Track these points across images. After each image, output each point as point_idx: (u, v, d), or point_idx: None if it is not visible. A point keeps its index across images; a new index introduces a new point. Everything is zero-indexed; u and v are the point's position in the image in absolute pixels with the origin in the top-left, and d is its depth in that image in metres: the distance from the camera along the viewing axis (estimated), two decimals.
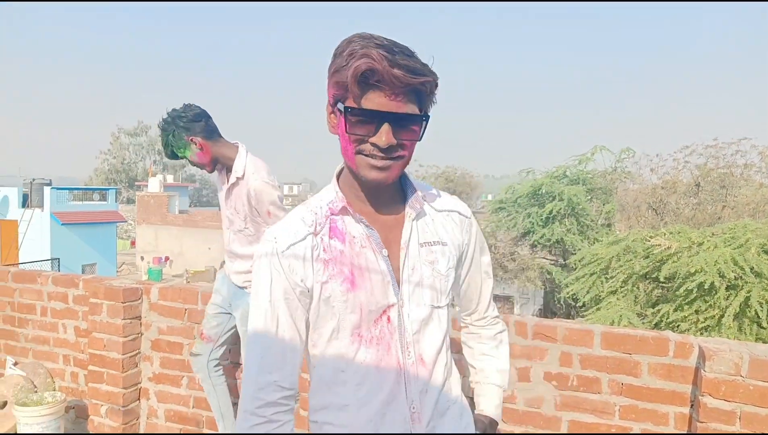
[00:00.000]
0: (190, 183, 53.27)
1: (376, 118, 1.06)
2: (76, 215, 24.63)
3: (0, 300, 3.86)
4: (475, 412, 1.39)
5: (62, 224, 23.87)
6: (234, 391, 3.02)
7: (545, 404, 2.55)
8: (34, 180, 23.99)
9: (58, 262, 21.94)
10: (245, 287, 2.69)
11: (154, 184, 33.49)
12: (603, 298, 11.43)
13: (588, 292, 11.85)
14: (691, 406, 2.36)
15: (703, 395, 2.23)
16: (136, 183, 52.11)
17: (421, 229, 1.22)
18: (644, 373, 2.41)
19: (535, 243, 17.30)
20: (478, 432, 1.34)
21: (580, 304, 12.68)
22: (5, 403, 3.38)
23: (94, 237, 25.20)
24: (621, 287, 10.92)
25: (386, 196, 1.21)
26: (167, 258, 30.19)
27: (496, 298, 25.09)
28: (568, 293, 12.74)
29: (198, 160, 2.66)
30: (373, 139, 1.07)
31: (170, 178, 40.85)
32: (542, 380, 2.55)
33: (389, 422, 1.16)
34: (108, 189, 28.54)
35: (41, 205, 23.53)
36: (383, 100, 1.04)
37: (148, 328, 3.37)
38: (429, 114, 1.11)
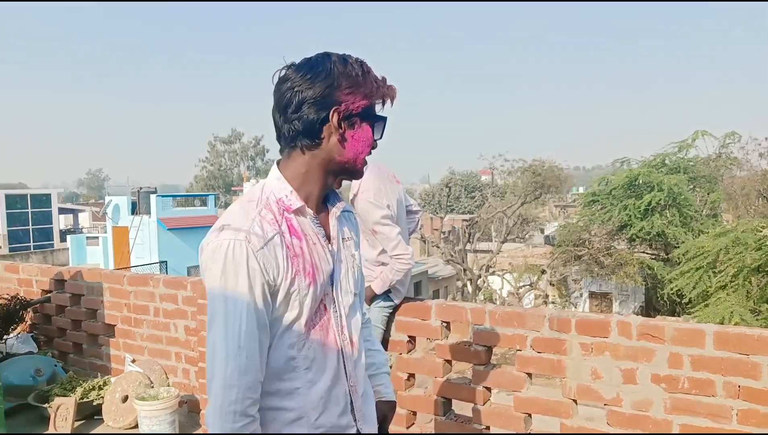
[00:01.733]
0: None
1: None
2: (179, 220, 26.25)
3: (117, 302, 4.20)
4: (377, 398, 1.52)
5: (167, 229, 25.53)
6: None
7: (654, 407, 2.42)
8: (141, 189, 25.79)
9: (166, 264, 23.47)
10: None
11: (248, 189, 35.01)
12: (711, 294, 10.72)
13: (694, 288, 11.15)
14: None
15: None
16: (232, 188, 54.73)
17: (341, 226, 1.39)
18: (765, 376, 2.23)
19: (633, 237, 16.47)
20: (385, 414, 1.53)
21: (685, 300, 11.95)
22: (126, 398, 3.67)
23: (197, 240, 26.55)
24: (731, 282, 10.18)
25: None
26: None
27: (593, 294, 24.12)
28: (672, 289, 12.05)
29: None
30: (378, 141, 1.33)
31: None
32: (650, 382, 2.43)
33: (335, 397, 1.31)
34: (207, 195, 30.16)
35: (149, 212, 25.25)
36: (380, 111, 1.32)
37: None
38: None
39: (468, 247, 26.64)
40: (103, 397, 3.78)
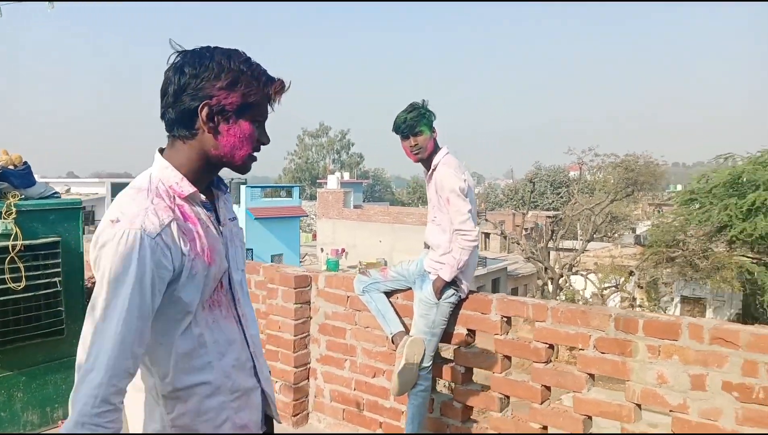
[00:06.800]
0: (364, 180, 55.97)
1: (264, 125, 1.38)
2: (266, 210, 27.34)
3: None
4: None
5: (255, 218, 26.62)
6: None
7: (724, 417, 2.26)
8: (233, 180, 27.03)
9: (252, 252, 24.51)
10: (429, 272, 2.90)
11: (332, 181, 35.87)
12: None
13: None
14: None
15: None
16: (318, 180, 56.19)
17: (223, 208, 1.43)
18: None
19: (733, 238, 15.31)
20: None
21: None
22: None
23: (281, 230, 27.74)
24: None
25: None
26: (343, 250, 32.10)
27: (685, 299, 22.75)
28: None
29: (425, 145, 2.88)
30: (263, 140, 1.37)
31: (346, 175, 43.32)
32: (720, 390, 2.27)
33: (241, 363, 1.40)
34: (292, 186, 31.20)
35: (238, 202, 26.46)
36: (267, 113, 1.37)
37: (316, 312, 3.64)
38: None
39: (551, 244, 25.85)
40: None
